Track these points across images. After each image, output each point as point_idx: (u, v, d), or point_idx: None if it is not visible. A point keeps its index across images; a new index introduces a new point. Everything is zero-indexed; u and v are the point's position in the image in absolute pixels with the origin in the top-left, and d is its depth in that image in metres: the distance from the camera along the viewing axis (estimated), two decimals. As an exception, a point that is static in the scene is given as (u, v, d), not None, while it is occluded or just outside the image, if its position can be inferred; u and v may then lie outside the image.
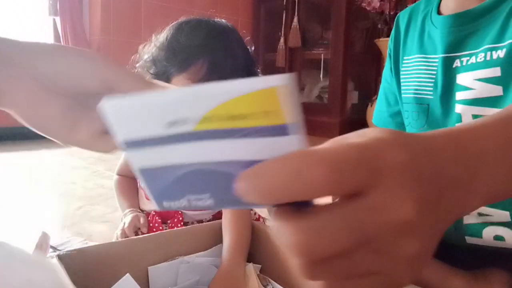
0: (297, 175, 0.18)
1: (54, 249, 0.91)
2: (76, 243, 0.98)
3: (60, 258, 0.55)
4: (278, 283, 0.66)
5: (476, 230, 0.66)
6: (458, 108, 0.63)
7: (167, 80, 0.78)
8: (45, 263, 0.43)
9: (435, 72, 0.66)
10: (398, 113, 0.80)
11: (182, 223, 0.86)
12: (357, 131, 0.22)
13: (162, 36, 0.80)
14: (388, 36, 3.06)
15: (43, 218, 1.27)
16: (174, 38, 0.78)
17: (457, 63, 0.63)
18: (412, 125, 0.71)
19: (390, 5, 2.84)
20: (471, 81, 0.61)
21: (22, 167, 1.92)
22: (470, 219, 0.66)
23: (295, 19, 3.38)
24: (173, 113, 0.20)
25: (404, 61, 0.74)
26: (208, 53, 0.74)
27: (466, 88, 0.62)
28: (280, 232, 0.19)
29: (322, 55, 3.30)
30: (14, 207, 1.35)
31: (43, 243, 0.83)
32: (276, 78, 0.18)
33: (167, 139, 0.21)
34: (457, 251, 0.72)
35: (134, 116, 0.21)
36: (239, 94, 0.19)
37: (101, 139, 0.37)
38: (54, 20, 2.86)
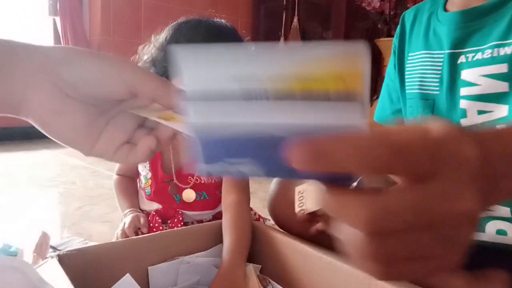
0: (365, 153, 0.19)
1: (54, 249, 0.91)
2: (76, 243, 0.98)
3: (60, 258, 0.55)
4: (278, 283, 0.66)
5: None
6: (463, 104, 0.64)
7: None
8: (15, 264, 0.42)
9: (440, 68, 0.67)
10: (400, 111, 0.80)
11: (182, 223, 0.86)
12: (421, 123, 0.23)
13: (161, 37, 0.80)
14: (388, 36, 3.06)
15: (43, 218, 1.27)
16: (173, 39, 0.78)
17: (462, 59, 0.64)
18: (417, 120, 0.72)
19: (390, 5, 2.84)
20: (476, 77, 0.62)
21: (22, 167, 1.92)
22: None
23: (295, 19, 3.38)
24: (243, 68, 0.19)
25: (409, 58, 0.75)
26: None
27: (471, 84, 0.63)
28: (345, 205, 0.20)
29: (322, 55, 3.30)
30: (14, 207, 1.35)
31: (43, 243, 0.83)
32: (356, 45, 0.18)
33: (230, 93, 0.20)
34: None
35: (204, 67, 0.20)
36: (317, 57, 0.18)
37: (123, 149, 0.36)
38: (54, 20, 2.87)
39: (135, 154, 0.36)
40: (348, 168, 0.19)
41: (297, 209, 0.66)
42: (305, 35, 3.47)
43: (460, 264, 0.24)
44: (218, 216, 0.90)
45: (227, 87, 0.20)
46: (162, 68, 0.78)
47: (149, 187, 0.89)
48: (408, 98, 0.75)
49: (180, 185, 0.87)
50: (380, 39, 2.95)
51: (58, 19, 2.80)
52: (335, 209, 0.21)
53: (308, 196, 0.66)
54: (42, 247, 0.83)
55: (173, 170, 0.87)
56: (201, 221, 0.88)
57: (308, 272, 0.62)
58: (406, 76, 0.76)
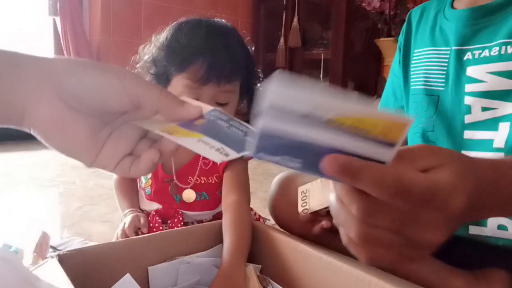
0: (379, 183, 0.27)
1: (54, 249, 0.91)
2: (76, 243, 0.98)
3: (60, 258, 0.55)
4: (278, 283, 0.66)
5: (480, 220, 0.66)
6: (468, 100, 0.64)
7: (167, 80, 0.78)
8: (7, 255, 0.42)
9: (446, 64, 0.68)
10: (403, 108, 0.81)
11: (182, 223, 0.86)
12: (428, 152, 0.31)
13: (162, 36, 0.80)
14: (388, 36, 3.06)
15: (43, 218, 1.27)
16: (173, 38, 0.78)
17: (468, 55, 0.65)
18: (421, 115, 0.72)
19: (390, 5, 2.84)
20: (482, 74, 0.62)
21: (22, 167, 1.92)
22: None
23: (295, 19, 3.38)
24: (313, 109, 0.25)
25: (414, 54, 0.76)
26: (207, 52, 0.74)
27: (477, 81, 0.63)
28: (376, 179, 0.26)
29: (322, 55, 3.29)
30: (14, 207, 1.35)
31: (43, 243, 0.83)
32: (407, 118, 0.26)
33: (298, 120, 0.26)
34: (459, 245, 0.72)
35: (288, 90, 0.25)
36: (373, 117, 0.25)
37: (126, 161, 0.35)
38: (54, 20, 2.86)
39: (137, 166, 0.36)
40: (363, 186, 0.27)
41: (300, 209, 0.66)
42: (305, 35, 3.46)
43: (424, 258, 0.34)
44: (218, 216, 0.89)
45: (296, 119, 0.25)
46: (163, 67, 0.78)
47: (149, 187, 0.89)
48: (412, 94, 0.75)
49: (180, 185, 0.87)
50: (380, 39, 2.95)
51: (58, 19, 2.80)
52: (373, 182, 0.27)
53: (311, 196, 0.66)
54: (42, 247, 0.83)
55: (174, 170, 0.87)
56: (201, 221, 0.88)
57: (308, 272, 0.62)
58: (411, 73, 0.76)
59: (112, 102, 0.33)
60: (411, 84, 0.76)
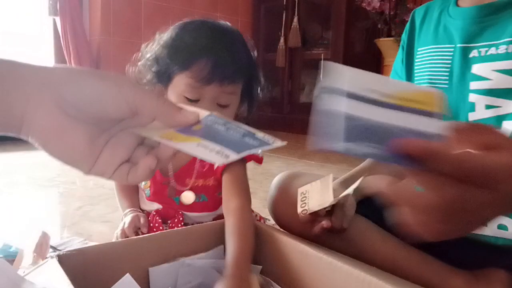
0: (441, 161, 0.31)
1: (54, 249, 0.90)
2: (76, 243, 0.98)
3: (60, 258, 0.55)
4: (279, 284, 0.66)
5: None
6: (472, 98, 0.64)
7: (169, 78, 0.78)
8: None
9: (449, 61, 0.68)
10: None
11: (182, 223, 0.86)
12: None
13: (166, 35, 0.80)
14: (388, 36, 3.05)
15: (43, 218, 1.27)
16: (178, 37, 0.77)
17: (474, 53, 0.65)
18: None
19: (390, 5, 2.84)
20: (488, 72, 0.62)
21: (22, 167, 1.92)
22: None
23: (295, 19, 3.38)
24: (376, 85, 0.34)
25: (418, 53, 0.76)
26: (212, 52, 0.74)
27: (482, 78, 0.63)
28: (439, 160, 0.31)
29: (322, 55, 3.29)
30: (14, 207, 1.35)
31: (43, 243, 0.83)
32: (436, 90, 0.34)
33: (365, 99, 0.33)
34: (458, 245, 0.72)
35: (357, 78, 0.34)
36: (414, 90, 0.35)
37: (123, 168, 0.36)
38: (54, 20, 2.86)
39: (134, 173, 0.36)
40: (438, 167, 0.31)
41: (299, 210, 0.66)
42: (305, 35, 3.46)
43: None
44: (219, 219, 0.89)
45: (364, 94, 0.33)
46: (165, 65, 0.77)
47: (148, 188, 0.89)
48: None
49: (178, 187, 0.87)
50: (380, 39, 2.95)
51: (58, 19, 2.80)
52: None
53: (310, 197, 0.66)
54: (42, 247, 0.83)
55: (171, 172, 0.87)
56: (201, 223, 0.88)
57: (308, 273, 0.62)
58: (414, 71, 0.76)
59: (111, 109, 0.33)
60: (415, 82, 0.76)
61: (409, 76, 0.78)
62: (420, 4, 0.81)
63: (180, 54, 0.75)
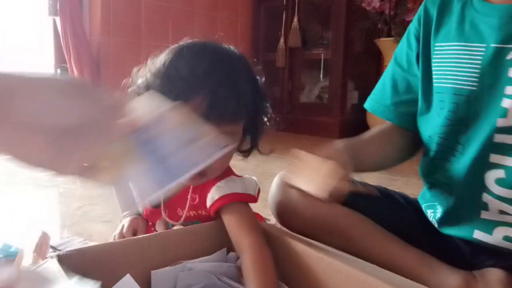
0: None
1: (54, 249, 0.90)
2: (76, 243, 0.98)
3: (60, 258, 0.55)
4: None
5: (488, 227, 0.65)
6: (506, 103, 0.60)
7: None
8: None
9: (479, 62, 0.63)
10: (405, 103, 0.77)
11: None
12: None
13: (159, 61, 0.69)
14: (388, 36, 3.04)
15: (43, 218, 1.27)
16: (172, 65, 0.67)
17: (511, 55, 0.60)
18: (449, 116, 0.68)
19: (390, 5, 2.84)
20: None
21: (22, 167, 1.92)
22: (487, 215, 0.66)
23: (295, 19, 3.38)
24: None
25: (436, 48, 0.71)
26: (209, 87, 0.64)
27: None
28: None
29: (322, 55, 3.29)
30: (14, 207, 1.35)
31: (43, 243, 0.83)
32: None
33: None
34: (459, 241, 0.72)
35: None
36: None
37: (94, 168, 0.36)
38: (54, 20, 2.86)
39: (107, 174, 0.37)
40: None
41: (319, 190, 0.60)
42: (305, 35, 3.46)
43: None
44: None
45: None
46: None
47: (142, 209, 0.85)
48: (436, 92, 0.71)
49: (170, 221, 0.80)
50: (380, 39, 2.95)
51: (58, 19, 2.80)
52: None
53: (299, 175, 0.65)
54: (42, 247, 0.82)
55: (162, 203, 0.80)
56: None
57: (308, 273, 0.62)
58: (433, 68, 0.71)
59: (63, 120, 0.33)
60: (434, 81, 0.71)
61: (427, 71, 0.72)
62: (420, 4, 0.77)
63: (173, 87, 0.65)
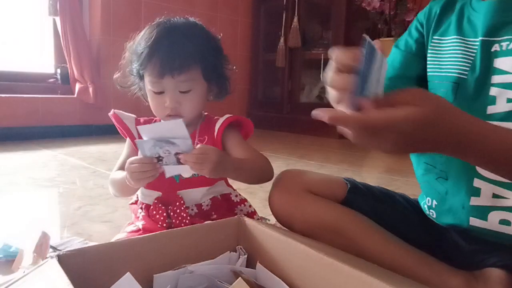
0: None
1: (54, 249, 0.90)
2: (76, 243, 0.98)
3: (60, 258, 0.55)
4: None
5: (482, 213, 0.66)
6: (493, 91, 0.64)
7: (141, 77, 0.89)
8: None
9: (474, 55, 0.68)
10: (401, 77, 0.80)
11: (184, 207, 0.85)
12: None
13: (134, 40, 0.92)
14: (388, 36, 3.04)
15: (43, 218, 1.27)
16: (137, 42, 0.89)
17: (496, 47, 0.65)
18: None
19: (390, 5, 2.84)
20: (511, 66, 0.63)
21: (22, 167, 1.92)
22: (479, 201, 0.66)
23: (295, 19, 3.38)
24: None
25: (433, 40, 0.76)
26: (159, 51, 0.83)
27: (505, 72, 0.64)
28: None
29: (322, 55, 3.29)
30: (14, 207, 1.35)
31: (43, 243, 0.83)
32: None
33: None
34: (459, 239, 0.72)
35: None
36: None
37: None
38: (54, 20, 2.86)
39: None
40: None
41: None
42: (305, 35, 3.46)
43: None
44: (216, 201, 0.90)
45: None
46: (135, 68, 0.88)
47: None
48: (429, 80, 0.76)
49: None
50: (380, 39, 2.95)
51: (58, 19, 2.80)
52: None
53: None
54: (42, 247, 0.83)
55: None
56: (200, 205, 0.88)
57: (309, 273, 0.62)
58: (429, 58, 0.76)
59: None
60: (428, 69, 0.76)
61: (423, 62, 0.78)
62: (420, 4, 0.80)
63: (139, 58, 0.86)
